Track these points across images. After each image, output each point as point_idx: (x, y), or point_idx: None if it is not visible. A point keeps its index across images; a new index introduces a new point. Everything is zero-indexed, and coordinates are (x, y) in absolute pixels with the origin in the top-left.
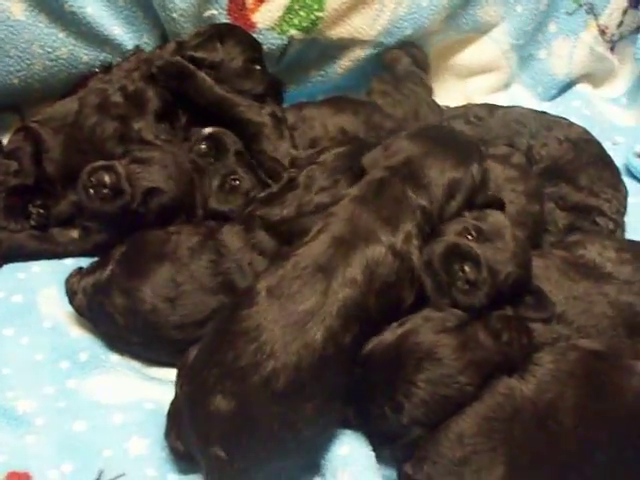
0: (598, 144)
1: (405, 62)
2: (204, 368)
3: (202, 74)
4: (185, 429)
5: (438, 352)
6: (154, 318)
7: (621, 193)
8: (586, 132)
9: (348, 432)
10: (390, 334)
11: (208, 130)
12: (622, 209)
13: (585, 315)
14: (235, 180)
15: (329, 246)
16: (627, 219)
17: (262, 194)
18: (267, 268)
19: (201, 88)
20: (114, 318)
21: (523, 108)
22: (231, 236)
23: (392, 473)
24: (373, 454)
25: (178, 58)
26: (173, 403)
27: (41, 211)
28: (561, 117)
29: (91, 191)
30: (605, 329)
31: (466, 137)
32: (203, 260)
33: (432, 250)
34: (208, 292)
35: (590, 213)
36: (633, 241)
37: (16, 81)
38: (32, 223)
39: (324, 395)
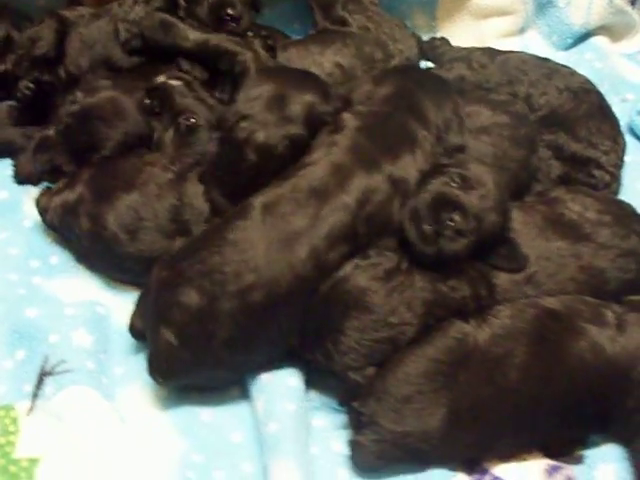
0: (599, 95)
1: None
2: (187, 261)
3: (181, 23)
4: (148, 308)
5: (367, 299)
6: (114, 246)
7: (619, 146)
8: (588, 82)
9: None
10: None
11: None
12: (620, 162)
13: (554, 279)
14: (188, 119)
15: (328, 172)
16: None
17: None
18: (268, 186)
19: (184, 34)
20: (80, 239)
21: (525, 54)
22: (195, 188)
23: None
24: (292, 383)
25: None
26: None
27: (30, 85)
28: (564, 65)
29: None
30: (572, 294)
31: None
32: (167, 202)
33: (419, 199)
34: (164, 235)
35: (587, 165)
36: (620, 201)
37: None
38: (18, 94)
39: (289, 322)
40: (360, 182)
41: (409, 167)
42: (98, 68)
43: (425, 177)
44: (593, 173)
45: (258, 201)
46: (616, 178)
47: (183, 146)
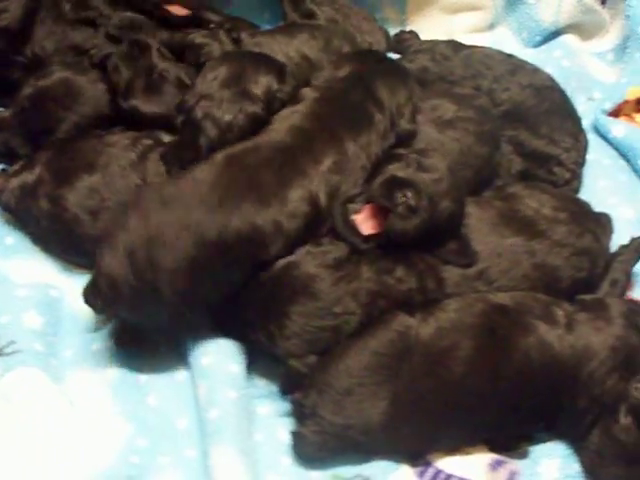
0: (562, 93)
1: None
2: (146, 199)
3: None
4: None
5: (314, 286)
6: (75, 227)
7: (581, 143)
8: (551, 79)
9: (222, 343)
10: (279, 262)
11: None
12: (581, 160)
13: (507, 275)
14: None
15: (290, 134)
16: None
17: None
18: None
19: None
20: (39, 222)
21: (490, 50)
22: (157, 167)
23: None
24: (234, 370)
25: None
26: None
27: None
28: (529, 63)
29: None
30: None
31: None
32: (130, 182)
33: (373, 182)
34: None
35: (548, 162)
36: (576, 199)
37: None
38: None
39: (232, 273)
40: (325, 149)
41: (369, 146)
42: (65, 53)
43: (380, 164)
44: (553, 170)
45: (221, 154)
46: (577, 176)
47: (152, 93)
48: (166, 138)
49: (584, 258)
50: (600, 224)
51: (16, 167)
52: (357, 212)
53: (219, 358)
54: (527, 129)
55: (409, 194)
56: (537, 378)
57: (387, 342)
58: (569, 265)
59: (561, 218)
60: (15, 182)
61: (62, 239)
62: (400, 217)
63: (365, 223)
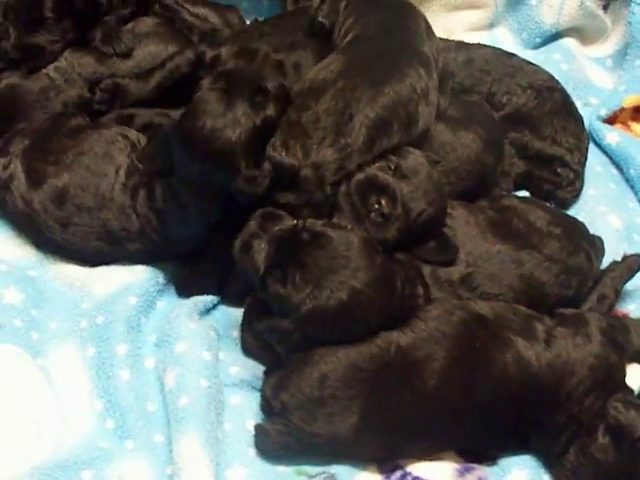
0: (563, 92)
1: None
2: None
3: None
4: None
5: None
6: (45, 232)
7: (583, 143)
8: (551, 79)
9: (193, 329)
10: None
11: None
12: (583, 159)
13: (491, 282)
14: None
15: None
16: None
17: None
18: None
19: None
20: (13, 214)
21: (487, 50)
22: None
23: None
24: (207, 358)
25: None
26: None
27: None
28: (528, 62)
29: None
30: (507, 302)
31: None
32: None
33: (352, 180)
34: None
35: (552, 163)
36: (572, 218)
37: None
38: None
39: None
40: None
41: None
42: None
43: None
44: (558, 171)
45: None
46: (579, 175)
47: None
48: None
49: (574, 277)
50: (594, 245)
51: None
52: None
53: (193, 344)
54: (530, 131)
55: (383, 201)
56: (513, 394)
57: (367, 356)
58: (557, 282)
59: (555, 233)
60: None
61: (34, 234)
62: (374, 224)
63: None
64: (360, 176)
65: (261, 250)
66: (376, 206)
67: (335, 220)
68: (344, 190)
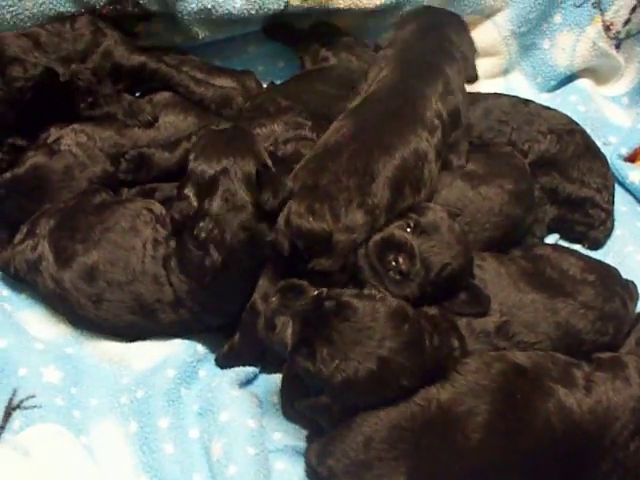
0: (584, 133)
1: None
2: None
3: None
4: None
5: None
6: (78, 310)
7: (610, 182)
8: (570, 122)
9: (236, 397)
10: None
11: None
12: (611, 198)
13: (527, 330)
14: None
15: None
16: None
17: None
18: None
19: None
20: (45, 295)
21: (503, 100)
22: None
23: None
24: (252, 425)
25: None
26: None
27: None
28: (545, 107)
29: None
30: (545, 350)
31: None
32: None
33: (370, 240)
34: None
35: (583, 205)
36: (606, 264)
37: (8, 16)
38: None
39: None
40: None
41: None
42: None
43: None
44: (589, 212)
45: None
46: (610, 214)
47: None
48: None
49: (610, 323)
50: (628, 290)
51: (20, 236)
52: None
53: (237, 412)
54: (559, 174)
55: (400, 259)
56: (558, 444)
57: (409, 415)
58: (594, 329)
59: (589, 280)
60: (20, 256)
61: (67, 312)
62: (393, 281)
63: None
64: (377, 237)
65: (286, 327)
66: (393, 264)
67: (366, 285)
68: (363, 251)
